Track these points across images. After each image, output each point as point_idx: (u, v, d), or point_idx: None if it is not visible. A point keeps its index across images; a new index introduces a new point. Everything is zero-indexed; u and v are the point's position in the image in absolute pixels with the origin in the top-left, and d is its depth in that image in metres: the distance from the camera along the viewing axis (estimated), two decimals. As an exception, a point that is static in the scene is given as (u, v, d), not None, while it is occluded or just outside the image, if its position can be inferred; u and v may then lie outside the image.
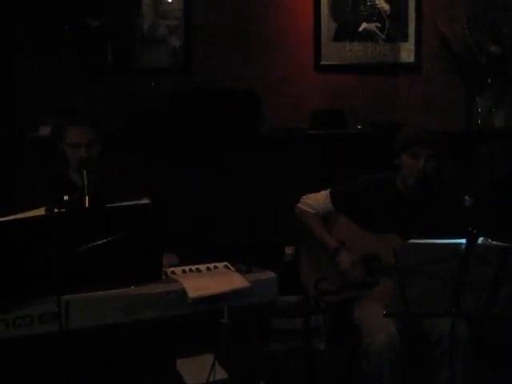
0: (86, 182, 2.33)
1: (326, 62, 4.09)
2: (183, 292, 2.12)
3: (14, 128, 3.72)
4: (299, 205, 2.80)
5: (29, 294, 1.91)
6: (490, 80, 4.02)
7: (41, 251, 1.83)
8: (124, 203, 1.95)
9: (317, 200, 2.77)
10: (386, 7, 4.11)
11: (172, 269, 2.32)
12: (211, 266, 2.36)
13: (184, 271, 2.31)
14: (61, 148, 2.56)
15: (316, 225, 2.74)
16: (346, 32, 4.09)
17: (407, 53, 4.17)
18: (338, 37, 4.08)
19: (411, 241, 2.04)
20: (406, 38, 4.15)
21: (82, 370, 2.05)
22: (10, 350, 1.99)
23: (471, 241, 1.97)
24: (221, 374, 2.41)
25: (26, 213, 1.84)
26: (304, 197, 2.81)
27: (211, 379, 2.21)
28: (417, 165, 2.55)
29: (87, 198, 2.22)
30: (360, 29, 4.11)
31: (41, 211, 1.82)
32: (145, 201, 1.96)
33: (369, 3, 4.10)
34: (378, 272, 2.61)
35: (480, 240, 1.98)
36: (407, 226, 2.50)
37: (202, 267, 2.35)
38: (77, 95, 3.65)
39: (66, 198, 2.03)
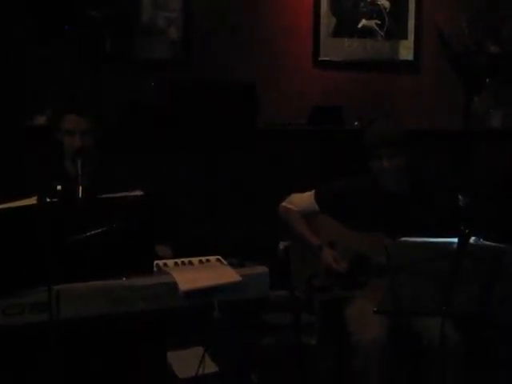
0: (79, 171, 2.33)
1: (324, 58, 4.08)
2: (174, 284, 2.11)
3: (10, 117, 3.70)
4: (283, 203, 2.80)
5: (19, 283, 1.91)
6: (488, 80, 4.02)
7: (32, 240, 1.83)
8: (117, 194, 1.95)
9: (301, 199, 2.77)
10: (386, 4, 4.11)
11: (164, 261, 2.32)
12: (203, 259, 2.36)
13: (176, 264, 2.31)
14: (57, 137, 2.55)
15: (298, 223, 2.73)
16: (345, 28, 4.08)
17: (406, 50, 4.17)
18: (337, 33, 4.08)
19: (403, 239, 2.04)
20: (405, 36, 4.15)
21: (72, 360, 2.04)
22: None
23: (463, 240, 1.97)
24: (211, 367, 2.41)
25: (18, 201, 1.84)
26: (288, 197, 2.81)
27: (200, 372, 2.21)
28: (381, 165, 2.56)
29: (80, 188, 2.21)
30: (359, 25, 4.10)
31: (33, 200, 1.82)
32: (137, 192, 1.96)
33: (369, 0, 4.09)
34: (368, 271, 2.61)
35: (472, 240, 1.98)
36: (393, 225, 2.50)
37: (195, 260, 2.35)
38: (75, 86, 3.64)
39: (58, 187, 2.02)
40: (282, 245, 3.49)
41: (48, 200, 1.82)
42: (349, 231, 2.65)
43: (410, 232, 2.09)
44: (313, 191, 2.76)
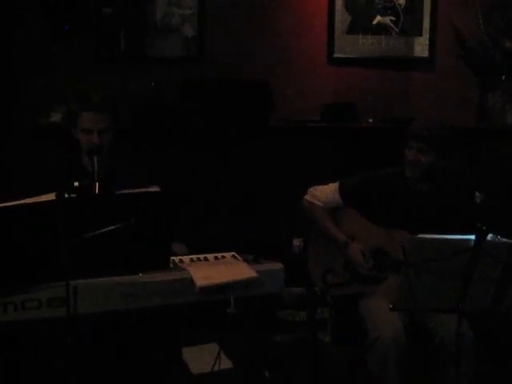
0: (96, 168, 2.33)
1: (339, 55, 4.07)
2: (190, 280, 2.12)
3: (26, 114, 3.74)
4: (307, 197, 2.79)
5: (37, 278, 1.93)
6: (503, 77, 3.99)
7: (50, 236, 1.84)
8: (134, 190, 1.96)
9: (325, 192, 2.76)
10: (401, 0, 4.09)
11: (180, 257, 2.33)
12: (219, 255, 2.37)
13: (192, 260, 2.32)
14: (73, 133, 2.55)
15: (324, 218, 2.73)
16: (359, 25, 4.06)
17: (421, 47, 4.14)
18: (352, 29, 4.06)
19: (419, 235, 2.04)
20: (420, 33, 4.13)
21: (88, 355, 2.06)
22: (17, 333, 2.00)
23: (480, 237, 1.96)
24: (226, 363, 2.42)
25: (37, 198, 1.85)
26: (311, 189, 2.79)
27: (216, 368, 2.22)
28: (409, 156, 2.57)
29: (97, 184, 2.22)
30: (374, 22, 4.08)
31: (51, 196, 1.84)
32: (154, 188, 1.97)
33: (384, -4, 4.08)
34: (387, 267, 2.60)
35: (489, 237, 1.97)
36: (416, 222, 2.50)
37: (210, 257, 2.36)
38: (89, 84, 3.66)
39: (76, 184, 2.03)
40: (296, 241, 3.50)
41: (66, 196, 1.83)
42: (370, 225, 2.65)
43: (431, 229, 2.08)
44: (337, 183, 2.75)
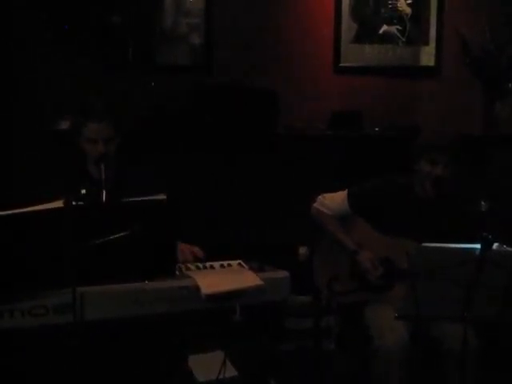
0: (103, 176, 2.34)
1: (345, 64, 4.09)
2: (196, 288, 2.13)
3: (33, 122, 3.76)
4: (315, 205, 2.79)
5: (45, 284, 1.94)
6: (510, 85, 4.00)
7: (57, 243, 1.86)
8: (140, 198, 1.97)
9: (334, 201, 2.76)
10: (407, 10, 4.10)
11: (186, 264, 2.34)
12: (225, 263, 2.38)
13: (198, 267, 2.33)
14: (79, 143, 2.57)
15: (333, 226, 2.73)
16: (366, 34, 4.09)
17: (427, 56, 4.15)
18: (358, 39, 4.08)
19: (425, 244, 2.04)
20: (426, 42, 4.14)
21: (94, 361, 2.07)
22: (24, 339, 2.01)
23: (486, 246, 1.96)
24: (231, 371, 2.42)
25: (44, 205, 1.87)
26: (320, 196, 2.79)
27: (221, 376, 2.22)
28: (435, 171, 2.53)
29: (104, 192, 2.24)
30: (380, 31, 4.10)
31: (59, 204, 1.85)
32: (161, 196, 1.98)
33: (390, 5, 4.09)
34: (394, 276, 2.60)
35: (495, 246, 1.97)
36: (423, 231, 2.49)
37: (216, 264, 2.37)
38: (97, 92, 3.68)
39: (83, 191, 2.04)
40: (302, 249, 3.50)
41: (73, 203, 1.85)
42: (378, 235, 2.64)
43: (437, 238, 2.08)
44: (346, 192, 2.74)
